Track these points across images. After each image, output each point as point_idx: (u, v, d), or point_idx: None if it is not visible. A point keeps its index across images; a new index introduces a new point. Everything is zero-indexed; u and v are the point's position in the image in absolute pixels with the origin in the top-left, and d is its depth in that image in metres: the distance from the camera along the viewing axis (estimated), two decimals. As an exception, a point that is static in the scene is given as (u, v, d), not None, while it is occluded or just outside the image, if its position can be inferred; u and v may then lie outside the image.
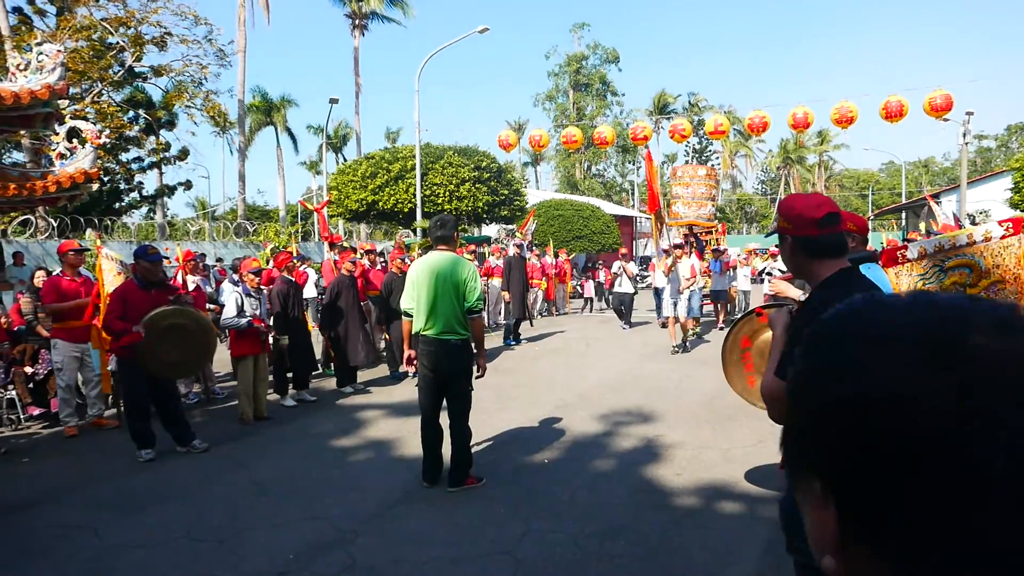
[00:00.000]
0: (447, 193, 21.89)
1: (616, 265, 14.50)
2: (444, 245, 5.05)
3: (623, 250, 16.25)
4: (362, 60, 40.24)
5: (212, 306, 8.86)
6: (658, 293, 12.56)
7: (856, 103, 15.44)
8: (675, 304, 10.85)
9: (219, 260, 17.80)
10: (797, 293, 3.46)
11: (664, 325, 12.11)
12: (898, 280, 3.86)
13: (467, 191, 22.11)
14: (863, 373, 0.51)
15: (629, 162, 59.48)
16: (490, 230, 28.91)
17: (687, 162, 62.83)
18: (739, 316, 3.65)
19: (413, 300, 4.96)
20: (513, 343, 12.21)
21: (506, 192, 23.82)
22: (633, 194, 56.22)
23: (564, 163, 58.65)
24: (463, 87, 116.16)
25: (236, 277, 9.13)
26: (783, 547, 2.38)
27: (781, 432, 0.63)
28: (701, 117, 56.76)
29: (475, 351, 5.08)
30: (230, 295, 7.00)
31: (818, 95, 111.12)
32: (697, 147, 59.44)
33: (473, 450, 5.21)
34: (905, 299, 0.55)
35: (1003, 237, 3.71)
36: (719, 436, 6.15)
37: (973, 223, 14.04)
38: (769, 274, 12.94)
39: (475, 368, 5.09)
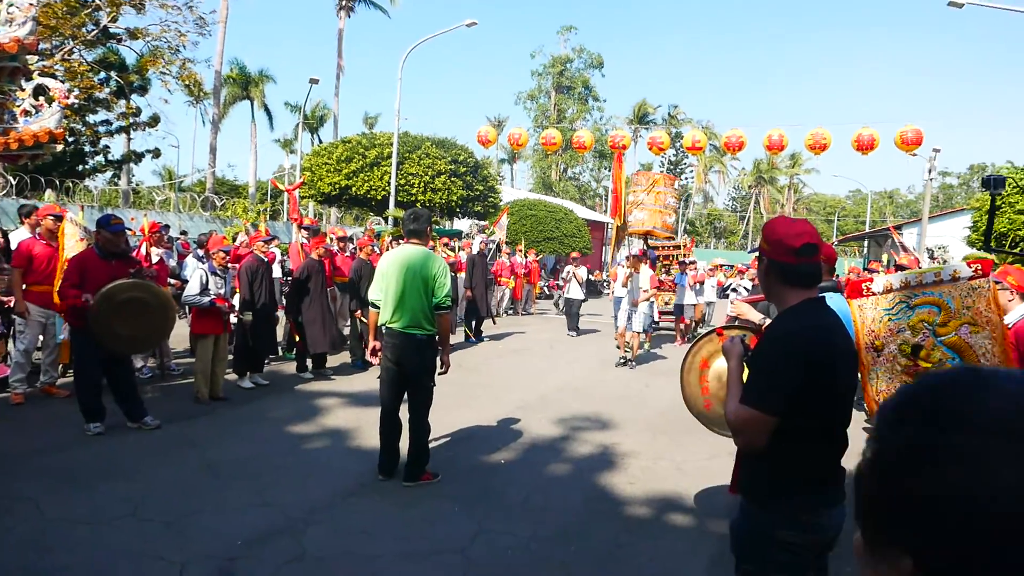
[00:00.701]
0: (422, 184, 21.77)
1: (566, 270, 14.32)
2: (416, 239, 5.03)
3: (574, 254, 16.21)
4: (346, 42, 39.68)
5: (174, 281, 8.68)
6: (617, 302, 12.45)
7: (830, 131, 15.81)
8: (629, 316, 10.45)
9: (183, 233, 17.42)
10: (758, 317, 3.54)
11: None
12: (861, 313, 3.95)
13: (442, 183, 22.02)
14: (989, 469, 0.49)
15: (605, 167, 59.84)
16: (462, 224, 28.85)
17: (661, 174, 63.61)
18: (700, 334, 3.69)
19: (381, 292, 4.94)
20: (475, 341, 12.21)
21: (481, 188, 23.80)
22: (607, 200, 56.55)
23: (541, 163, 58.78)
24: (446, 79, 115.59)
25: (201, 253, 8.98)
26: (729, 563, 2.44)
27: (858, 500, 0.61)
28: (679, 130, 57.40)
29: (440, 347, 5.08)
30: (195, 271, 6.86)
31: (793, 119, 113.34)
32: (673, 159, 60.10)
33: (430, 446, 5.21)
34: (1012, 381, 0.53)
35: (972, 279, 3.80)
36: (674, 448, 6.24)
37: (931, 258, 14.49)
38: (734, 290, 12.72)
39: (439, 364, 5.09)
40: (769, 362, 2.13)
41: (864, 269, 14.26)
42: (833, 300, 3.77)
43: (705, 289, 14.75)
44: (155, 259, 7.77)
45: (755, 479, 2.26)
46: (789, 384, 2.06)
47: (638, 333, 10.56)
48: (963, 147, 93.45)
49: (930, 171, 22.15)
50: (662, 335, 14.66)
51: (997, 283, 3.85)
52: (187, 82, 27.55)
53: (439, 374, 5.10)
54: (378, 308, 4.97)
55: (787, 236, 2.17)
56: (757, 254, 2.37)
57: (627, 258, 10.94)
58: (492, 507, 4.63)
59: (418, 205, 22.03)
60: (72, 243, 6.84)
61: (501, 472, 5.41)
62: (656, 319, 15.61)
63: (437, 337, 5.02)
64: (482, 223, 21.37)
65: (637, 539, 4.28)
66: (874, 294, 3.99)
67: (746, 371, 2.33)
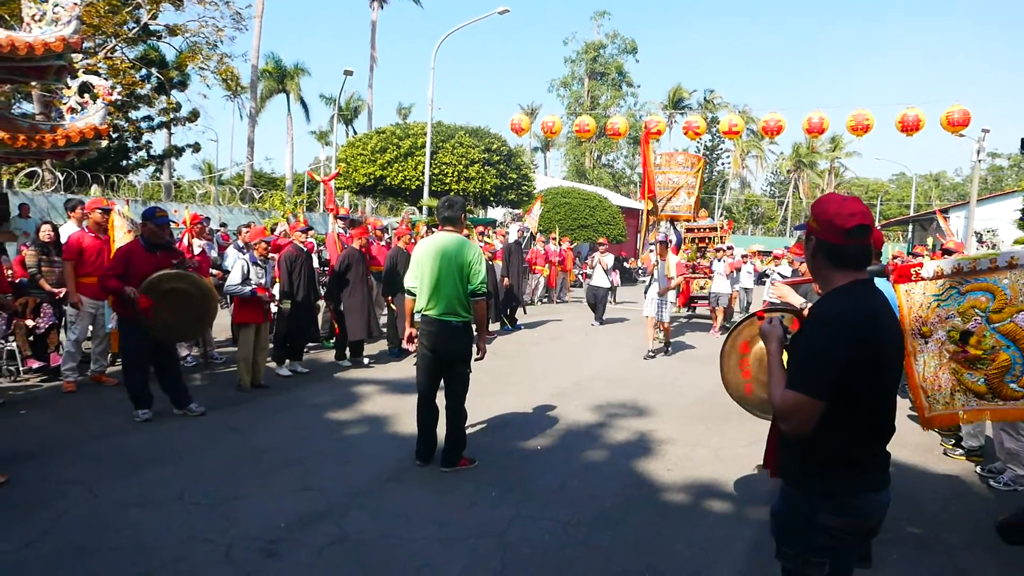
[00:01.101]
0: (455, 173, 21.82)
1: (592, 257, 13.87)
2: (451, 226, 5.05)
3: (601, 241, 15.75)
4: (379, 34, 39.94)
5: (215, 271, 8.86)
6: (594, 291, 12.04)
7: (873, 112, 15.37)
8: (658, 304, 9.95)
9: (223, 225, 17.77)
10: (799, 300, 3.48)
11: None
12: (909, 298, 3.84)
13: (476, 172, 22.04)
14: None
15: (640, 154, 59.28)
16: (496, 213, 28.88)
17: (684, 151, 62.67)
18: (740, 319, 3.63)
19: (417, 279, 4.97)
20: (511, 329, 12.23)
21: (515, 176, 23.76)
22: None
23: (574, 151, 58.43)
24: (478, 68, 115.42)
25: (241, 243, 9.15)
26: (768, 549, 2.41)
27: None
28: (715, 115, 56.49)
29: (476, 333, 5.10)
30: (236, 262, 7.00)
31: (833, 102, 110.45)
32: (709, 144, 59.21)
33: (467, 432, 5.25)
34: None
35: None
36: (712, 435, 6.18)
37: (980, 241, 14.02)
38: (767, 276, 12.24)
39: (475, 350, 5.12)
40: (816, 345, 2.07)
41: (908, 254, 13.84)
42: (880, 285, 3.68)
43: (741, 276, 14.45)
44: (197, 250, 7.95)
45: (796, 462, 2.22)
46: (836, 367, 2.01)
47: (666, 323, 10.12)
48: (1014, 126, 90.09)
49: (978, 152, 21.38)
50: (697, 322, 14.51)
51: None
52: (224, 77, 28.07)
53: (475, 360, 5.13)
54: (414, 295, 5.01)
55: (838, 216, 2.09)
56: (804, 233, 2.30)
57: (655, 242, 10.59)
58: (529, 492, 4.65)
59: (452, 194, 22.13)
60: (121, 235, 7.04)
61: (538, 458, 5.43)
62: (679, 308, 15.38)
63: (473, 324, 5.05)
64: (516, 211, 21.33)
65: (675, 525, 4.26)
66: (923, 279, 3.88)
67: (786, 355, 2.29)
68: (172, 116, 27.54)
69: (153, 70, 26.67)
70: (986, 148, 23.60)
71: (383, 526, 4.04)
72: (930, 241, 18.63)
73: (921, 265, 3.96)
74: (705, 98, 58.29)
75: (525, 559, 3.74)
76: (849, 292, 2.11)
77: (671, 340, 10.70)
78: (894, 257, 13.45)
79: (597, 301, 13.61)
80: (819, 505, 2.16)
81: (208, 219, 16.28)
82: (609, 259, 14.06)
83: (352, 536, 3.90)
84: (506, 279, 12.47)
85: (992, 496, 5.07)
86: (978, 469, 5.55)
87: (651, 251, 11.18)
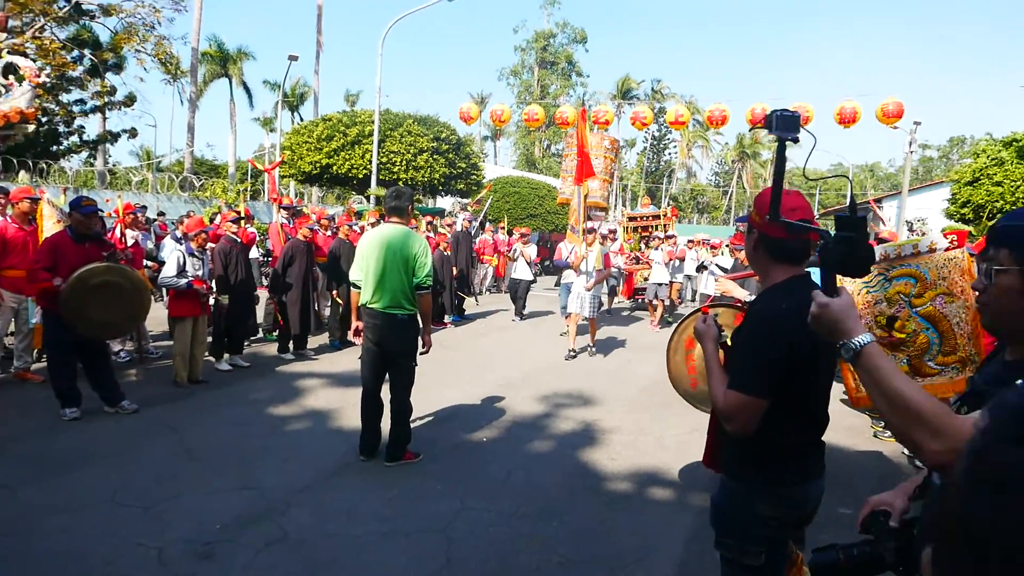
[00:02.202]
0: (404, 162, 21.57)
1: (513, 248, 12.77)
2: (397, 217, 4.98)
3: (522, 230, 14.69)
4: (325, 18, 39.00)
5: (150, 263, 8.55)
6: (565, 288, 10.33)
7: (813, 104, 15.78)
8: (583, 300, 9.22)
9: (161, 214, 17.14)
10: (743, 293, 3.55)
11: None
12: (840, 286, 3.97)
13: (424, 161, 21.83)
14: None
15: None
16: (445, 202, 28.68)
17: (644, 149, 63.37)
18: (685, 316, 3.69)
19: (362, 272, 4.89)
20: (457, 318, 12.17)
21: (464, 165, 23.63)
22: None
23: (524, 140, 58.45)
24: (427, 55, 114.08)
25: (179, 234, 8.84)
26: (708, 536, 2.45)
27: (940, 517, 0.60)
28: (663, 105, 57.23)
29: (421, 326, 5.05)
30: (172, 253, 6.75)
31: (776, 94, 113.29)
32: (656, 134, 59.99)
33: (413, 425, 5.21)
34: None
35: (947, 249, 3.84)
36: (655, 423, 6.28)
37: (911, 230, 14.60)
38: (705, 267, 11.41)
39: (420, 344, 5.07)
40: (755, 345, 2.09)
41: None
42: (816, 276, 3.77)
43: (685, 265, 14.15)
44: (130, 241, 7.64)
45: (735, 454, 2.26)
46: (776, 366, 2.04)
47: (593, 319, 9.45)
48: (943, 119, 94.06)
49: (911, 143, 22.24)
50: (642, 313, 14.64)
51: (972, 254, 3.88)
52: (163, 59, 27.02)
53: (421, 354, 5.09)
54: (359, 288, 4.93)
55: (782, 210, 2.13)
56: (746, 225, 2.31)
57: (586, 231, 9.62)
58: (474, 485, 4.65)
59: (400, 183, 21.85)
60: (50, 225, 6.71)
61: (483, 450, 5.42)
62: (605, 304, 15.03)
63: (418, 317, 5.00)
64: (465, 201, 21.24)
65: (619, 514, 4.31)
66: (852, 269, 4.01)
67: (721, 352, 2.31)
68: (107, 100, 26.41)
69: (86, 51, 25.49)
70: (917, 140, 24.57)
71: (325, 523, 3.97)
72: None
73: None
74: (653, 88, 58.94)
75: (469, 552, 3.73)
76: (787, 290, 2.12)
77: (597, 339, 9.90)
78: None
79: (518, 295, 12.64)
80: (758, 496, 2.20)
81: (144, 208, 15.72)
82: (532, 251, 13.32)
83: (292, 535, 3.82)
84: (455, 268, 12.40)
85: (917, 475, 5.30)
86: (905, 450, 5.79)
87: (565, 242, 10.42)
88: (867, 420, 6.36)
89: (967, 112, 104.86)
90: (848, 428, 6.24)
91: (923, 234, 14.01)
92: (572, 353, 9.29)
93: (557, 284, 11.72)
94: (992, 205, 15.27)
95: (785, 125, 1.88)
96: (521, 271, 12.64)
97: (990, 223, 15.32)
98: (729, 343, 2.37)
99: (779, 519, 2.22)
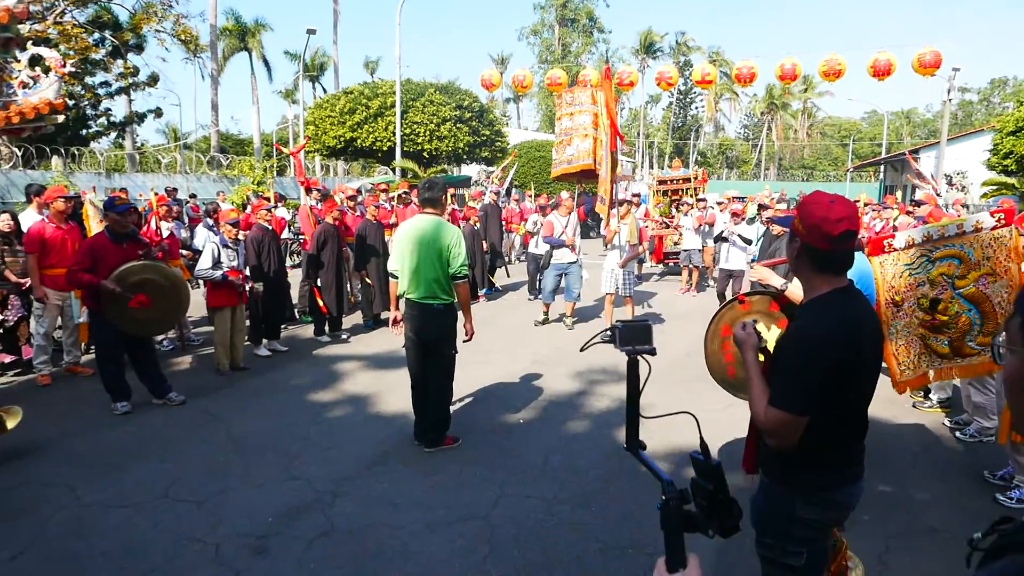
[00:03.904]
0: (427, 132, 21.46)
1: (531, 220, 11.71)
2: (431, 207, 5.03)
3: (542, 200, 13.65)
4: (341, -15, 38.49)
5: (186, 252, 8.71)
6: (533, 261, 9.53)
7: (845, 57, 15.25)
8: (619, 277, 8.79)
9: (192, 196, 17.38)
10: (779, 281, 3.49)
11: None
12: (883, 269, 3.90)
13: (448, 131, 21.70)
14: None
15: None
16: (470, 170, 28.55)
17: (670, 104, 62.03)
18: (721, 306, 3.65)
19: (398, 263, 4.98)
20: (489, 291, 12.22)
21: (487, 133, 23.44)
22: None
23: (547, 101, 57.57)
24: (445, 18, 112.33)
25: (211, 222, 8.97)
26: (745, 520, 2.48)
27: None
28: (688, 58, 55.80)
29: (462, 315, 5.12)
30: (207, 245, 6.88)
31: (805, 41, 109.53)
32: (682, 89, 58.63)
33: (451, 407, 5.30)
34: None
35: (994, 228, 3.73)
36: (689, 398, 6.29)
37: (950, 184, 14.16)
38: (725, 239, 10.21)
39: (463, 332, 5.17)
40: (797, 363, 2.08)
41: (879, 202, 13.88)
42: (856, 259, 3.71)
43: (715, 228, 13.78)
44: (165, 233, 7.79)
45: (777, 458, 2.27)
46: (818, 385, 2.04)
47: (630, 298, 8.97)
48: (983, 61, 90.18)
49: (949, 91, 21.42)
50: (673, 279, 14.49)
51: (1020, 232, 3.77)
52: (183, 37, 27.08)
53: (463, 342, 5.17)
54: (397, 279, 5.02)
55: (825, 221, 2.05)
56: (788, 232, 2.28)
57: (621, 203, 8.84)
58: (513, 470, 4.73)
59: (424, 154, 21.80)
60: (95, 225, 6.88)
61: (520, 432, 5.50)
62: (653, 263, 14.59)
63: (457, 305, 5.06)
64: (490, 169, 21.10)
65: (656, 498, 4.33)
66: (896, 250, 3.93)
67: (761, 357, 2.31)
68: (131, 81, 26.62)
69: (106, 33, 25.61)
70: (956, 85, 23.65)
71: (370, 514, 4.09)
72: (899, 194, 18.73)
73: (893, 237, 4.00)
74: (677, 41, 57.47)
75: (511, 540, 3.82)
76: (831, 304, 2.11)
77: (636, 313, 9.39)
78: (861, 201, 13.48)
79: (538, 270, 10.95)
80: (799, 499, 2.22)
81: (175, 190, 15.96)
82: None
83: (340, 526, 3.95)
84: (484, 243, 12.39)
85: (959, 447, 5.26)
86: (946, 421, 5.74)
87: (539, 211, 9.65)
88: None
89: (1010, 51, 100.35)
90: (887, 399, 6.16)
91: (964, 188, 13.58)
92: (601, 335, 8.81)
93: (543, 268, 9.75)
94: (1037, 154, 14.73)
95: (632, 338, 1.60)
96: (541, 246, 10.68)
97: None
98: (770, 348, 2.37)
99: (820, 521, 2.25)
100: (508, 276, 14.10)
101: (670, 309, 10.90)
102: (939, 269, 3.78)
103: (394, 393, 6.32)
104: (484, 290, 12.05)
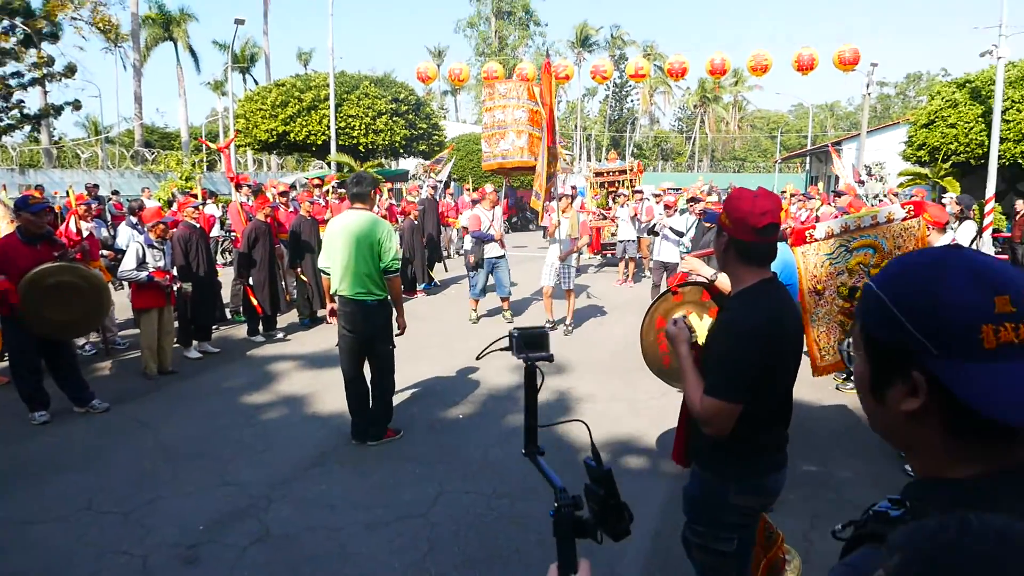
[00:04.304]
0: (363, 126, 21.12)
1: (462, 216, 11.28)
2: (360, 202, 4.97)
3: (475, 195, 13.32)
4: (270, -27, 37.41)
5: (108, 252, 8.32)
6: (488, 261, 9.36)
7: (771, 52, 15.77)
8: (559, 271, 8.71)
9: (115, 193, 16.63)
10: (710, 272, 3.58)
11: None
12: (804, 259, 4.07)
13: (384, 124, 21.40)
14: None
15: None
16: (408, 164, 28.23)
17: (607, 97, 62.77)
18: (656, 297, 3.73)
19: (329, 259, 4.91)
20: (427, 287, 12.15)
21: (424, 126, 23.24)
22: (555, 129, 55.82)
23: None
24: (381, 10, 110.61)
25: (135, 220, 8.61)
26: (680, 507, 2.55)
27: None
28: (623, 52, 56.56)
29: (395, 309, 5.08)
30: (130, 245, 6.59)
31: (735, 34, 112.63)
32: (618, 82, 59.39)
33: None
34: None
35: (904, 219, 3.94)
36: (627, 388, 6.41)
37: (869, 174, 14.82)
38: (655, 233, 10.20)
39: (395, 327, 5.11)
40: (730, 354, 2.17)
41: (803, 193, 14.41)
42: (780, 251, 3.85)
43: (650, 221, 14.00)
44: (85, 233, 7.42)
45: (709, 448, 2.34)
46: (751, 373, 2.14)
47: (571, 291, 8.91)
48: (900, 55, 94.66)
49: (868, 86, 22.40)
50: (610, 271, 14.70)
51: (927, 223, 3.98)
52: (101, 26, 25.83)
53: (396, 335, 5.13)
54: (328, 275, 4.97)
55: (751, 215, 2.15)
56: (715, 227, 2.35)
57: (561, 197, 8.75)
58: (452, 466, 4.73)
59: (360, 148, 21.45)
60: (4, 226, 6.48)
61: (460, 428, 5.50)
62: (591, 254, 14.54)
63: (390, 300, 5.02)
64: (428, 163, 20.94)
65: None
66: (817, 240, 4.10)
67: (689, 352, 2.37)
68: (45, 72, 25.25)
69: (17, 20, 24.20)
70: (874, 80, 24.74)
71: (307, 517, 4.02)
72: (820, 185, 19.49)
73: (815, 227, 4.17)
74: (612, 35, 58.16)
75: (450, 536, 3.82)
76: (758, 296, 2.20)
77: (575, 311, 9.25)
78: (792, 195, 14.01)
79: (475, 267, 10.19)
80: (731, 487, 2.31)
81: (96, 186, 15.22)
82: (488, 215, 10.62)
83: (275, 531, 3.87)
84: (423, 238, 12.30)
85: (879, 428, 5.53)
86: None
87: (535, 208, 9.40)
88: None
89: (923, 48, 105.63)
90: (812, 383, 6.44)
91: (882, 179, 14.24)
92: (550, 324, 8.85)
93: (476, 268, 9.43)
94: (947, 147, 15.52)
95: (529, 345, 1.59)
96: (468, 241, 10.18)
97: (944, 165, 15.63)
98: (700, 342, 2.44)
99: (751, 507, 2.35)
100: (446, 271, 14.03)
101: (608, 300, 11.07)
102: (856, 258, 3.97)
103: (331, 392, 6.21)
104: (423, 285, 11.97)
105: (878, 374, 0.86)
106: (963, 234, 7.04)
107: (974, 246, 11.77)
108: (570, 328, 8.86)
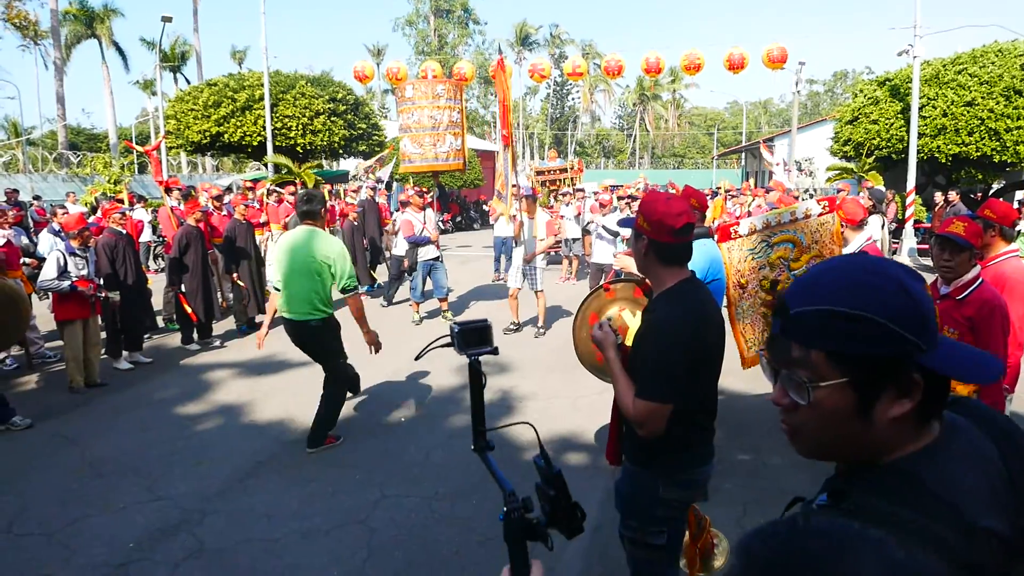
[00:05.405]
0: (300, 126, 20.69)
1: (393, 218, 11.07)
2: (310, 220, 4.94)
3: (404, 194, 12.28)
4: (200, -31, 36.21)
5: (29, 260, 7.95)
6: (424, 266, 9.23)
7: (703, 51, 16.17)
8: (526, 272, 8.57)
9: (36, 198, 15.89)
10: (641, 271, 3.68)
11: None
12: (730, 255, 4.20)
13: (322, 124, 21.01)
14: None
15: (491, 94, 58.91)
16: (348, 164, 27.82)
17: (548, 95, 63.25)
18: (588, 294, 3.79)
19: (278, 275, 4.92)
20: (371, 288, 12.03)
21: (364, 126, 22.91)
22: (496, 127, 55.94)
23: (426, 92, 57.06)
24: (317, 7, 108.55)
25: (57, 227, 8.26)
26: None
27: None
28: (562, 51, 57.07)
29: (360, 328, 5.01)
30: (51, 253, 6.31)
31: (670, 34, 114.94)
32: (559, 80, 59.89)
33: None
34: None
35: (820, 215, 4.13)
36: (567, 385, 6.49)
37: (799, 170, 15.35)
38: (588, 232, 10.23)
39: (369, 346, 5.09)
40: (658, 354, 2.22)
41: (737, 190, 14.86)
42: (705, 246, 3.96)
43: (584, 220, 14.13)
44: (1, 241, 7.07)
45: (640, 445, 2.41)
46: (678, 374, 2.20)
47: (541, 292, 8.73)
48: (827, 53, 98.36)
49: (797, 83, 23.21)
50: (554, 268, 14.79)
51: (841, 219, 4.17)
52: (17, 22, 24.59)
53: (372, 355, 5.15)
54: (279, 291, 4.94)
55: (667, 216, 2.21)
56: (633, 231, 2.39)
57: (523, 197, 8.64)
58: (393, 470, 4.71)
59: (298, 149, 21.03)
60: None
61: (401, 431, 5.48)
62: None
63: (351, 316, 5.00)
64: (368, 163, 20.66)
65: (524, 488, 4.47)
66: (741, 236, 4.24)
67: (617, 355, 2.42)
68: (-44, 71, 23.89)
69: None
70: (803, 78, 25.67)
71: (243, 529, 3.94)
72: (752, 181, 20.13)
73: (738, 224, 4.32)
74: (551, 34, 58.63)
75: (391, 542, 3.81)
76: (681, 296, 2.27)
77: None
78: (727, 191, 14.45)
79: (395, 275, 10.46)
80: (662, 482, 2.38)
81: (16, 191, 14.52)
82: (419, 218, 9.64)
83: (209, 544, 3.78)
84: (364, 240, 12.19)
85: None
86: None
87: (497, 207, 9.75)
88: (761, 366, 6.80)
89: (849, 47, 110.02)
90: (744, 376, 6.65)
91: (811, 174, 14.78)
92: (515, 326, 8.78)
93: (410, 271, 9.48)
94: (870, 143, 16.23)
95: (472, 340, 1.58)
96: (402, 246, 9.79)
97: (868, 160, 16.32)
98: (627, 344, 2.50)
99: (680, 501, 2.43)
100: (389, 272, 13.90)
101: (551, 297, 11.12)
102: (777, 253, 4.13)
103: (270, 400, 6.11)
104: (366, 287, 11.85)
105: (867, 393, 0.86)
106: (872, 226, 7.43)
107: (883, 236, 12.35)
108: (542, 330, 8.71)
